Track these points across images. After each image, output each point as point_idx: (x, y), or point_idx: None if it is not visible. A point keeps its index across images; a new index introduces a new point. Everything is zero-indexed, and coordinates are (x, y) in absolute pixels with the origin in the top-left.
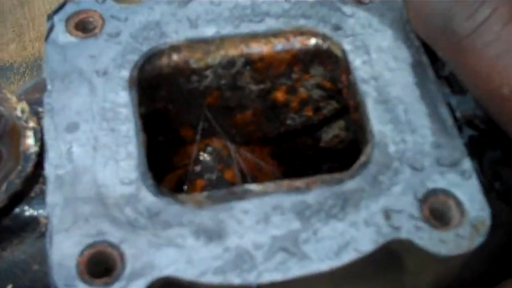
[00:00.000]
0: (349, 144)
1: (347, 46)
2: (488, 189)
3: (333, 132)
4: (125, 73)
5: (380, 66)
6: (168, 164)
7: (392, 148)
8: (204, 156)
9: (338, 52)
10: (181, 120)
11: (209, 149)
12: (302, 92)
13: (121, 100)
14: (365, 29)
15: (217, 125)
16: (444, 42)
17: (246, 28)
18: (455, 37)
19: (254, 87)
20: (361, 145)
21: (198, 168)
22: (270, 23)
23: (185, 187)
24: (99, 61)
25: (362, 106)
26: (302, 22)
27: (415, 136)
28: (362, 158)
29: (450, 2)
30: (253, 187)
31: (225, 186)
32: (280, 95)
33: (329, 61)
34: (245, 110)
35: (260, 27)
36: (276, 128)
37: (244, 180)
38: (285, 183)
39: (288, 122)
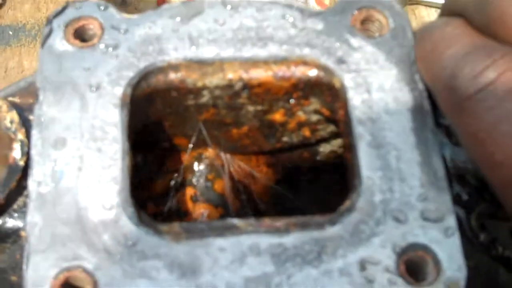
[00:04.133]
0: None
1: (348, 82)
2: (473, 240)
3: (330, 148)
4: (119, 90)
5: (379, 107)
6: (161, 167)
7: (378, 197)
8: (197, 165)
9: (338, 87)
10: (176, 131)
11: (203, 158)
12: (300, 115)
13: (111, 119)
14: (370, 65)
15: (211, 137)
16: (446, 96)
17: (247, 52)
18: (458, 95)
19: (251, 108)
20: (349, 188)
21: (190, 176)
22: (273, 50)
23: (172, 194)
24: (94, 74)
25: (355, 148)
26: (306, 51)
27: (403, 186)
28: (346, 204)
29: (459, 56)
30: (234, 222)
31: (214, 197)
32: (277, 117)
33: (328, 93)
34: (241, 126)
35: (262, 53)
36: (272, 144)
37: (235, 189)
38: (266, 222)
39: (285, 139)
